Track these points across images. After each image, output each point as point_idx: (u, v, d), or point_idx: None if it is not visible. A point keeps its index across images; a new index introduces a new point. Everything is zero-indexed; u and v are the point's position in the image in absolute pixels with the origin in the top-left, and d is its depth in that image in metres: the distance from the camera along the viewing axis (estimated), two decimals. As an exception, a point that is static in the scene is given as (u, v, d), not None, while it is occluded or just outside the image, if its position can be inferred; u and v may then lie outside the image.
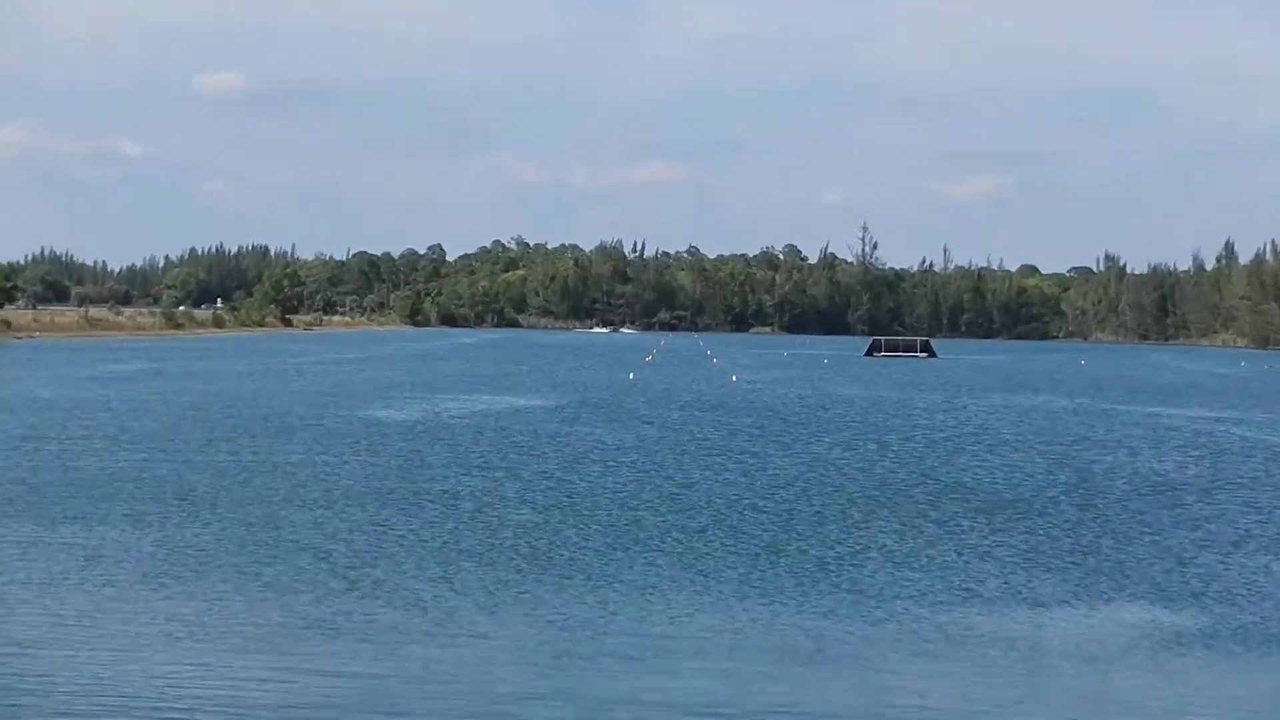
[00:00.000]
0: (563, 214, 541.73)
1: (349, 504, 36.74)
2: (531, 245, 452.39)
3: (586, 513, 36.18)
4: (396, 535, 32.13)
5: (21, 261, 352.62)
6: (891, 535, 33.63)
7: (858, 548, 31.78)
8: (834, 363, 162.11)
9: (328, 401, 74.70)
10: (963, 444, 58.60)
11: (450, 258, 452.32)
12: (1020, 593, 27.28)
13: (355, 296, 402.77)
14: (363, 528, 33.00)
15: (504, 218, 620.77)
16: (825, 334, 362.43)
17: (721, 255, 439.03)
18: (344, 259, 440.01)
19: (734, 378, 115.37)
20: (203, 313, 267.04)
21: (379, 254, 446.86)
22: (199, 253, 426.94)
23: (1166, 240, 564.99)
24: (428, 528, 33.20)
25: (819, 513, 37.10)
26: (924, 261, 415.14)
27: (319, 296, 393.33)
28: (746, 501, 39.08)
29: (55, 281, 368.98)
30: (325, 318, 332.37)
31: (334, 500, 37.34)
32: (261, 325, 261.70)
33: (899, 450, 55.26)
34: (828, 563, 29.92)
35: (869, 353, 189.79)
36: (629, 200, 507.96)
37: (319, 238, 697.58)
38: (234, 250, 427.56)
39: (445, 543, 31.23)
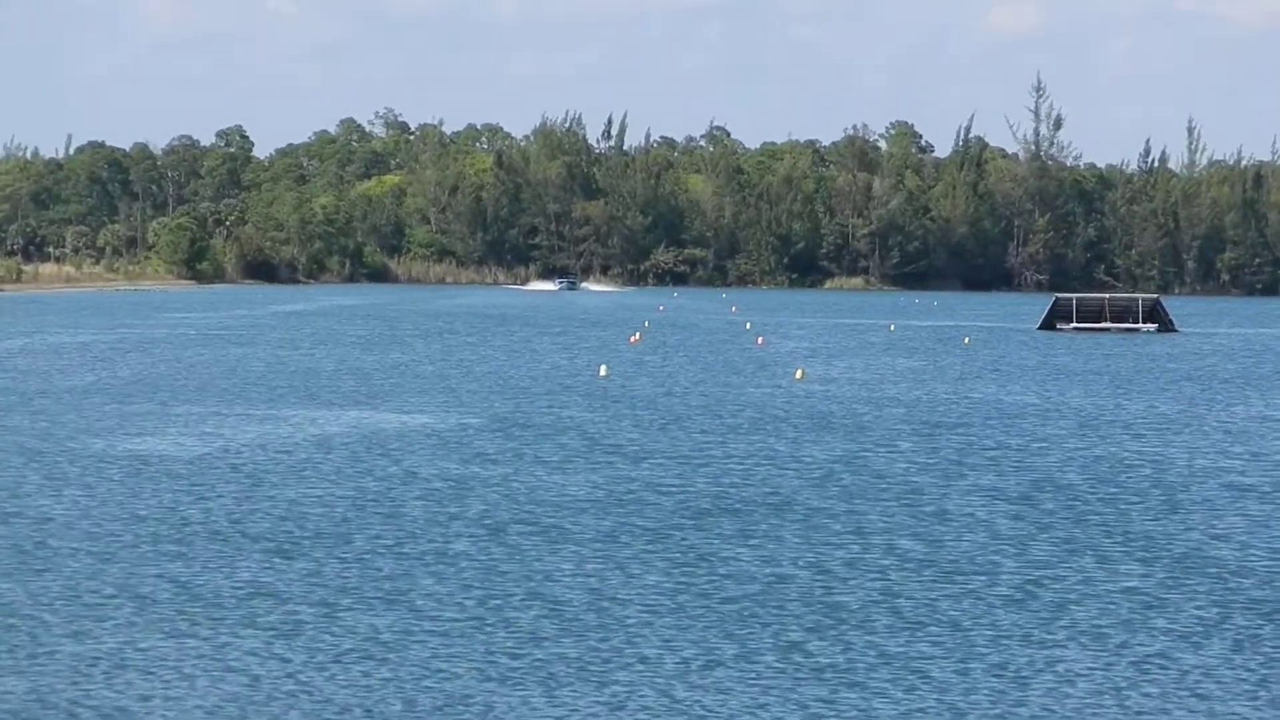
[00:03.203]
0: (474, 67, 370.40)
1: None
2: (414, 128, 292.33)
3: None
4: None
5: None
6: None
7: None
8: (985, 343, 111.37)
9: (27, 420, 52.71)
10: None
11: (261, 153, 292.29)
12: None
13: (83, 227, 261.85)
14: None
15: (364, 76, 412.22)
16: (965, 289, 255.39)
17: (771, 144, 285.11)
18: (60, 156, 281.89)
19: (797, 373, 78.62)
20: None
21: (126, 147, 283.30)
22: None
23: None
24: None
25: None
26: (1147, 153, 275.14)
27: (15, 228, 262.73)
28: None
29: None
30: (27, 267, 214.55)
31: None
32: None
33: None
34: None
35: (1049, 323, 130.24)
36: (600, 39, 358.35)
37: (12, 116, 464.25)
38: None
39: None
